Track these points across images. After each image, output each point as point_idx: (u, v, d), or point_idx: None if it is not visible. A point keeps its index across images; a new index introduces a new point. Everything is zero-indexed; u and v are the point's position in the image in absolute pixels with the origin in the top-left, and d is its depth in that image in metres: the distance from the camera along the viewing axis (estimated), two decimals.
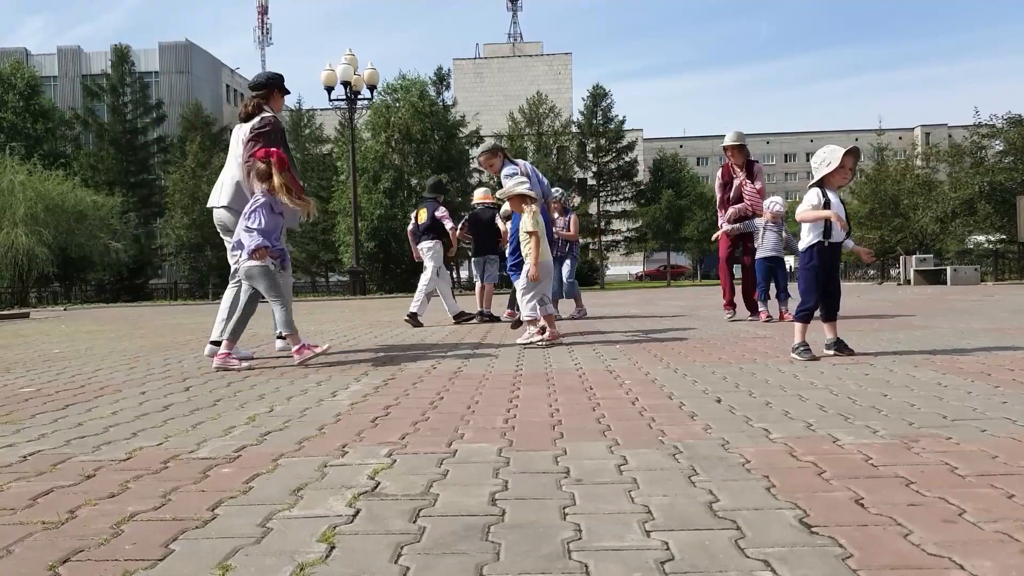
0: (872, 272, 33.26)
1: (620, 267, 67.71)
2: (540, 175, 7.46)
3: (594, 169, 52.98)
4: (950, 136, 62.02)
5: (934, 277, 23.00)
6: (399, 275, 37.71)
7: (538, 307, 5.75)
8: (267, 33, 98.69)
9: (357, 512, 1.78)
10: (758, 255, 7.86)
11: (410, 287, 11.62)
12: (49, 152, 44.89)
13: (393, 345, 6.16)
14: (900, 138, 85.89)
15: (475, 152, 48.98)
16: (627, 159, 53.46)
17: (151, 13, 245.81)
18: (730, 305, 8.28)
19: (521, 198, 5.76)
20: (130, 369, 4.92)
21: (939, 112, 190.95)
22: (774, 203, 7.75)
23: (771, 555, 1.45)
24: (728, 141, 7.96)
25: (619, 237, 54.31)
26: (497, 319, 8.90)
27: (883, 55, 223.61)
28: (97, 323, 12.82)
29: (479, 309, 9.04)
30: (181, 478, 2.12)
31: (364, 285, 26.60)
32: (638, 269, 70.18)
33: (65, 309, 23.85)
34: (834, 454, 2.18)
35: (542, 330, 5.76)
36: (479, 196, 9.52)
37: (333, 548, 1.56)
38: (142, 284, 45.50)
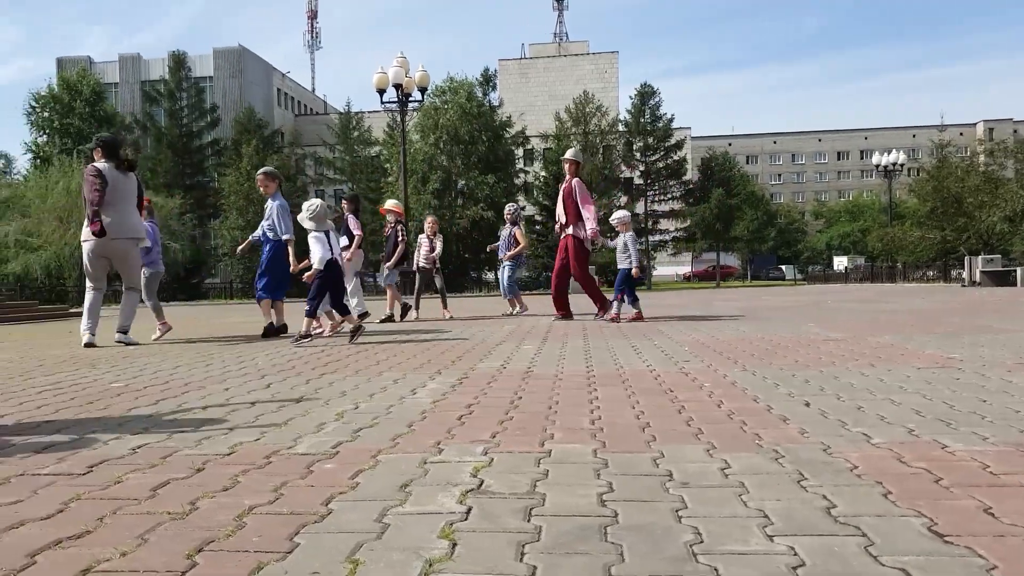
0: (932, 274, 32.42)
1: (667, 267, 67.01)
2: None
3: (641, 168, 52.56)
4: (1015, 131, 60.05)
5: (1002, 278, 22.33)
6: (447, 275, 37.98)
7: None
8: (316, 37, 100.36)
9: (469, 510, 1.80)
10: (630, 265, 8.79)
11: (457, 287, 12.24)
12: None
13: (454, 344, 6.19)
14: (961, 134, 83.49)
15: (519, 153, 49.07)
16: (675, 158, 52.90)
17: (206, 20, 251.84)
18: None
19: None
20: (207, 366, 5.03)
21: (1002, 106, 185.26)
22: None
23: (908, 564, 1.42)
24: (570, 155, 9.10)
25: (667, 237, 53.77)
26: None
27: (941, 48, 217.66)
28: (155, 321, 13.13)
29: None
30: (287, 473, 2.16)
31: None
32: (686, 269, 69.42)
33: None
34: (947, 461, 2.13)
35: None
36: (392, 206, 10.72)
37: (455, 545, 1.57)
38: (198, 283, 46.55)
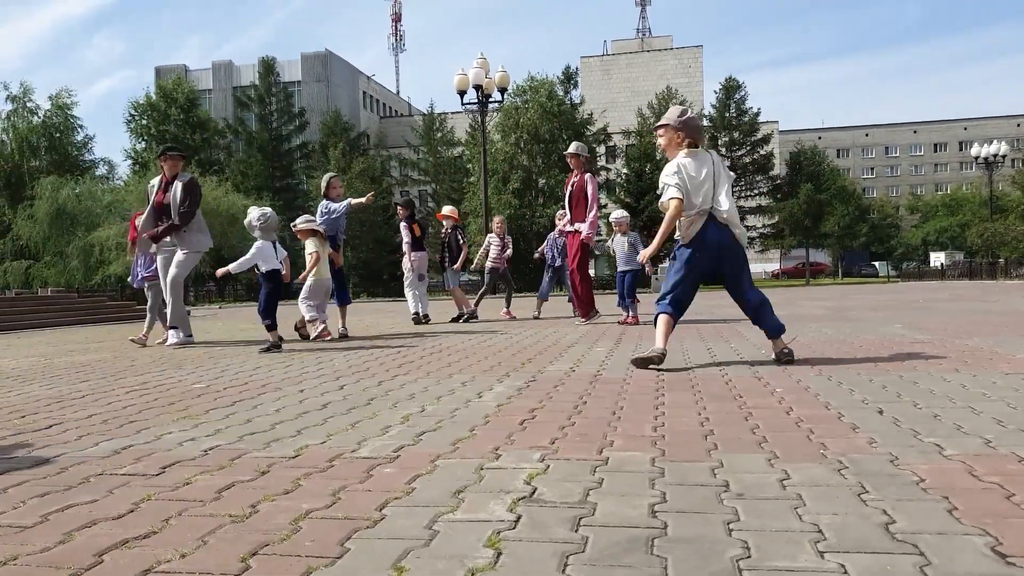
0: None
1: (755, 265, 65.22)
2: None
3: (727, 163, 51.42)
4: None
5: None
6: (527, 274, 38.10)
7: (316, 311, 7.21)
8: (400, 40, 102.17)
9: (519, 518, 1.81)
10: (620, 268, 9.06)
11: (536, 287, 12.13)
12: (205, 160, 48.42)
13: (528, 346, 6.22)
14: None
15: (601, 150, 48.70)
16: (762, 152, 51.59)
17: (294, 26, 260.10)
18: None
19: (311, 232, 7.18)
20: (286, 367, 5.20)
21: None
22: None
23: None
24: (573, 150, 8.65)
25: (753, 234, 52.43)
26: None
27: None
28: (249, 321, 13.63)
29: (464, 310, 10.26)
30: (347, 477, 2.22)
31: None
32: (774, 267, 67.58)
33: (220, 307, 25.55)
34: (1022, 475, 2.02)
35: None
36: (449, 212, 10.55)
37: (500, 554, 1.59)
38: (287, 284, 48.06)
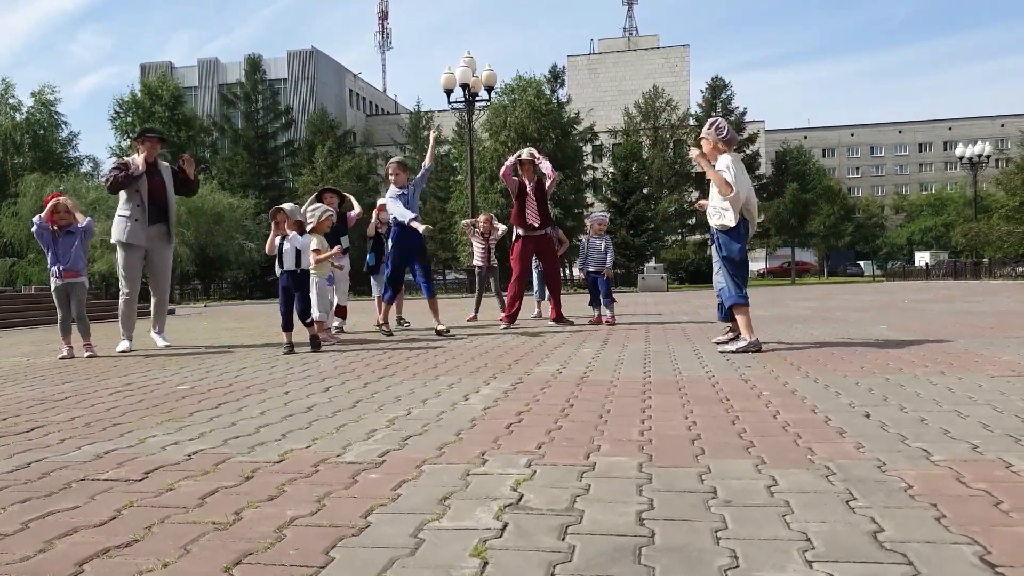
0: (1021, 270, 30.91)
1: None
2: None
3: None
4: None
5: None
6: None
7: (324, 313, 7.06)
8: (387, 38, 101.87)
9: (505, 526, 1.79)
10: (591, 268, 8.98)
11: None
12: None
13: (515, 347, 6.20)
14: None
15: (588, 149, 48.74)
16: (748, 152, 51.77)
17: (282, 23, 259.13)
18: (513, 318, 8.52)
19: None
20: (271, 368, 5.17)
21: None
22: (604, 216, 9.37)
23: None
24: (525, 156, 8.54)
25: None
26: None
27: None
28: (235, 320, 13.59)
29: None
30: (332, 483, 2.20)
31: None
32: (760, 266, 67.91)
33: (205, 306, 25.40)
34: (1009, 482, 2.02)
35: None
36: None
37: (486, 564, 1.57)
38: (272, 282, 47.73)
